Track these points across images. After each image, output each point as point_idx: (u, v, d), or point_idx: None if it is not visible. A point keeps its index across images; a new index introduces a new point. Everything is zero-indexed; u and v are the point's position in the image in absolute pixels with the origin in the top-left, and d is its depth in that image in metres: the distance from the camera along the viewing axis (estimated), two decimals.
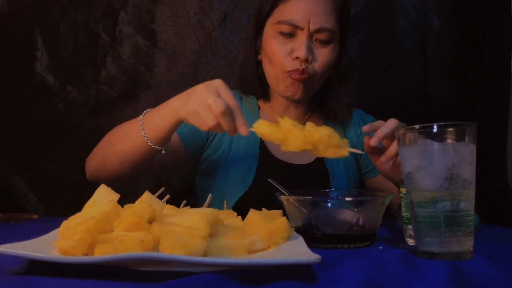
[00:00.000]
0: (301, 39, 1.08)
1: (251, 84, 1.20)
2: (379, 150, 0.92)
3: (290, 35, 1.10)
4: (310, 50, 1.08)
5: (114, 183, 1.01)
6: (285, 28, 1.09)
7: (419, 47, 1.65)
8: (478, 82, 1.59)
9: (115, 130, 1.05)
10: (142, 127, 0.93)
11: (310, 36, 1.09)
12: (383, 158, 0.88)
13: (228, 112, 0.80)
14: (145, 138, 0.93)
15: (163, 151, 0.96)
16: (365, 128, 0.90)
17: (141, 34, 1.70)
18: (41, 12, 1.70)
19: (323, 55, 1.11)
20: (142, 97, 1.69)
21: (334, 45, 1.13)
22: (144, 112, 0.96)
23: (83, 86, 1.69)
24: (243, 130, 0.81)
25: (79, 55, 1.70)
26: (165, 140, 0.95)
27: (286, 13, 1.10)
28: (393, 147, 0.87)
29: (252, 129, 0.81)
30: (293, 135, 0.79)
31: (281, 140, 0.80)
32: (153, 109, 0.96)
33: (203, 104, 0.81)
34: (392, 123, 0.88)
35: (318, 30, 1.09)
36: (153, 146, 0.94)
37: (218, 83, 0.85)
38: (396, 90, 1.65)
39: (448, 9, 1.63)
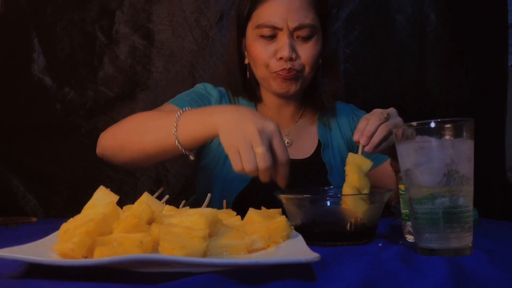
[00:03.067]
0: (283, 39, 1.09)
1: (237, 89, 1.21)
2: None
3: (272, 37, 1.10)
4: (292, 48, 1.09)
5: (124, 166, 0.99)
6: (265, 31, 1.10)
7: (416, 44, 1.65)
8: (475, 78, 1.59)
9: (144, 117, 0.99)
10: (175, 128, 0.87)
11: (291, 34, 1.10)
12: (367, 147, 0.88)
13: (270, 169, 0.77)
14: (176, 141, 0.87)
15: (191, 157, 0.91)
16: (355, 138, 0.89)
17: (137, 34, 1.70)
18: (37, 13, 1.70)
19: (306, 51, 1.11)
20: (140, 97, 1.69)
21: (316, 38, 1.13)
22: (183, 109, 0.90)
23: (81, 87, 1.69)
24: (282, 184, 0.81)
25: (75, 56, 1.70)
26: (195, 147, 0.91)
27: (264, 15, 1.10)
28: (376, 138, 0.87)
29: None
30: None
31: None
32: (192, 110, 0.91)
33: (249, 148, 0.77)
34: (375, 121, 0.88)
35: (297, 28, 1.09)
36: (181, 149, 0.88)
37: (273, 129, 0.79)
38: (393, 86, 1.65)
39: (445, 5, 1.63)
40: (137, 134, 0.96)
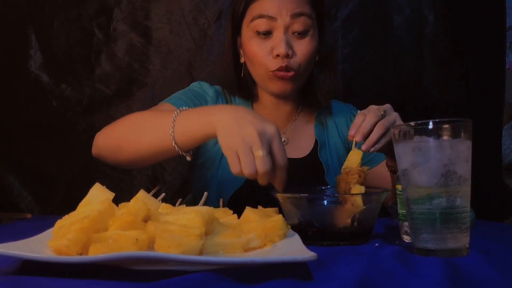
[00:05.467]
0: (278, 35, 1.08)
1: (233, 87, 1.21)
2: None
3: (267, 33, 1.09)
4: (288, 45, 1.08)
5: (119, 166, 1.00)
6: (261, 25, 1.09)
7: (414, 44, 1.65)
8: (473, 78, 1.60)
9: (141, 117, 0.98)
10: (172, 129, 0.86)
11: (286, 30, 1.09)
12: (364, 146, 0.88)
13: (269, 173, 0.76)
14: (173, 142, 0.86)
15: (188, 158, 0.90)
16: (351, 133, 0.89)
17: (135, 32, 1.69)
18: (34, 9, 1.69)
19: (302, 47, 1.10)
20: (137, 95, 1.69)
21: (312, 34, 1.12)
22: (180, 109, 0.88)
23: (78, 84, 1.68)
24: (280, 189, 0.80)
25: (73, 53, 1.69)
26: (192, 147, 0.89)
27: (258, 8, 1.10)
28: (373, 136, 0.87)
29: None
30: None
31: None
32: (189, 110, 0.89)
33: (248, 151, 0.75)
34: (371, 118, 0.88)
35: (293, 16, 1.08)
36: (177, 149, 0.87)
37: (273, 132, 0.77)
38: (391, 86, 1.65)
39: (443, 5, 1.63)
40: (133, 135, 0.95)
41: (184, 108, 0.90)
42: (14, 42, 1.70)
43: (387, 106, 0.94)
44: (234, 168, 0.76)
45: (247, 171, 0.75)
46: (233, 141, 0.76)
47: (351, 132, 0.89)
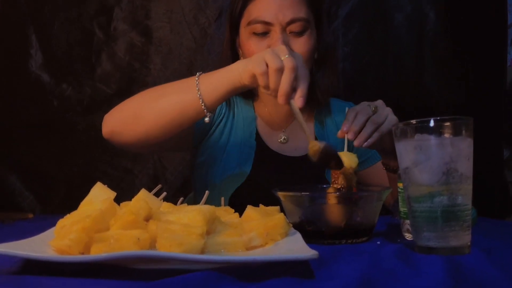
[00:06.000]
0: (275, 35, 1.08)
1: None
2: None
3: (264, 34, 1.09)
4: (286, 44, 1.07)
5: (132, 146, 0.99)
6: (257, 28, 1.09)
7: (415, 42, 1.65)
8: (474, 76, 1.59)
9: (158, 87, 0.98)
10: (198, 86, 0.88)
11: (283, 30, 1.09)
12: (355, 142, 0.88)
13: (295, 74, 0.80)
14: (199, 96, 0.88)
15: (206, 119, 0.91)
16: (343, 129, 0.89)
17: (136, 31, 1.69)
18: (35, 9, 1.69)
19: (300, 45, 1.10)
20: None
21: (309, 33, 1.12)
22: (199, 73, 0.91)
23: (78, 84, 1.68)
24: (299, 101, 0.82)
25: (73, 53, 1.69)
26: (218, 103, 0.91)
27: (255, 12, 1.09)
28: (364, 132, 0.87)
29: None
30: None
31: None
32: (209, 73, 0.92)
33: (275, 54, 0.80)
34: (363, 115, 0.88)
35: (290, 22, 1.08)
36: (204, 108, 0.88)
37: (298, 55, 0.84)
38: (392, 84, 1.65)
39: (444, 3, 1.63)
40: (153, 100, 0.94)
41: (201, 73, 0.92)
42: (15, 42, 1.70)
43: (379, 101, 0.94)
44: (259, 68, 0.80)
45: (273, 64, 0.79)
46: (259, 55, 0.81)
47: (343, 128, 0.89)
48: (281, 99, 0.81)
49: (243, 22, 1.13)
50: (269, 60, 0.80)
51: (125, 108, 0.99)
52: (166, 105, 0.92)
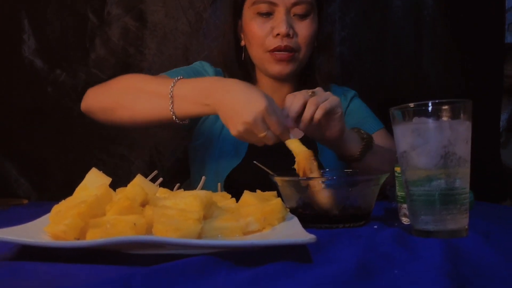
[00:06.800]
0: (280, 16, 1.09)
1: (232, 70, 1.21)
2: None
3: (268, 14, 1.10)
4: (289, 25, 1.09)
5: (109, 125, 1.03)
6: (262, 7, 1.10)
7: (413, 26, 1.63)
8: (472, 60, 1.58)
9: (136, 82, 0.99)
10: (171, 101, 0.90)
11: (288, 11, 1.10)
12: (300, 125, 0.89)
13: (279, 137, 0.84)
14: (172, 112, 0.90)
15: (185, 122, 0.94)
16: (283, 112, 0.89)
17: (130, 15, 1.66)
18: None
19: (303, 28, 1.11)
20: None
21: (312, 17, 1.13)
22: (176, 79, 0.91)
23: (72, 70, 1.66)
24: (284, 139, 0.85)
25: (67, 38, 1.67)
26: (189, 118, 0.94)
27: None
28: (306, 114, 0.87)
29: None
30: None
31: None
32: (186, 82, 0.92)
33: (251, 132, 0.82)
34: (299, 96, 0.88)
35: (295, 3, 1.09)
36: (178, 122, 0.92)
37: (262, 109, 0.82)
38: (389, 69, 1.64)
39: None
40: (129, 100, 0.97)
41: (179, 77, 0.92)
42: (6, 27, 1.67)
43: (318, 88, 0.94)
44: (234, 133, 0.84)
45: (252, 140, 0.84)
46: (238, 125, 0.82)
47: (284, 112, 0.88)
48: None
49: (248, 2, 1.14)
50: (248, 139, 0.85)
51: (103, 95, 1.02)
52: (140, 107, 0.95)
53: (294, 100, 0.88)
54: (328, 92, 0.93)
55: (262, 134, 0.82)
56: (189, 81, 0.92)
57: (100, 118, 1.03)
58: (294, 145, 0.85)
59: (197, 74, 1.19)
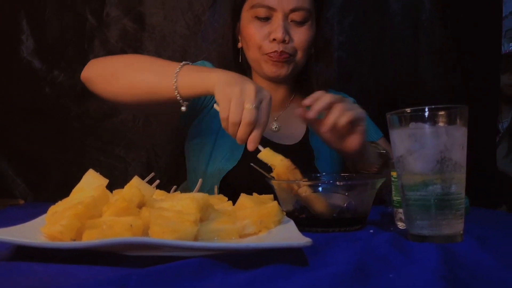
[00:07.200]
0: (277, 21, 1.10)
1: (234, 71, 1.20)
2: (319, 121, 0.91)
3: (266, 19, 1.11)
4: (286, 31, 1.10)
5: (105, 98, 1.02)
6: (260, 12, 1.10)
7: (410, 30, 1.64)
8: (469, 64, 1.59)
9: (142, 58, 1.01)
10: (176, 75, 0.90)
11: (286, 17, 1.10)
12: (322, 128, 0.88)
13: (252, 126, 0.82)
14: (175, 87, 0.90)
15: (183, 108, 0.93)
16: (306, 101, 0.89)
17: (129, 17, 1.67)
18: None
19: (299, 34, 1.12)
20: None
21: (310, 24, 1.14)
22: (183, 63, 0.93)
23: (70, 70, 1.66)
24: (250, 146, 0.84)
25: (65, 39, 1.67)
26: (192, 97, 0.93)
27: None
28: (331, 117, 0.87)
29: (260, 148, 0.84)
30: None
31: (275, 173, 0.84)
32: (193, 65, 0.95)
33: (240, 101, 0.82)
34: (328, 96, 0.88)
35: (293, 10, 1.10)
36: (178, 98, 0.91)
37: (266, 94, 0.85)
38: (387, 73, 1.64)
39: None
40: (132, 69, 0.97)
41: (187, 62, 0.94)
42: (5, 28, 1.67)
43: (350, 100, 0.94)
44: (223, 113, 0.83)
45: (233, 118, 0.81)
46: (231, 91, 0.82)
47: (306, 101, 0.88)
48: (239, 142, 0.84)
49: (247, 5, 1.14)
50: (231, 111, 0.82)
51: (108, 64, 1.02)
52: (140, 80, 0.95)
53: (322, 97, 0.88)
54: (356, 104, 0.93)
55: (251, 106, 0.81)
56: (196, 67, 0.94)
57: (99, 87, 1.02)
58: (268, 155, 0.84)
59: None
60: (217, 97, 0.85)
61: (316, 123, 0.91)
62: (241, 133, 0.82)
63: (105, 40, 1.66)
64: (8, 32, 1.67)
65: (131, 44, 1.66)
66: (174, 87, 0.90)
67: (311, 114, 0.87)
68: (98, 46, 1.66)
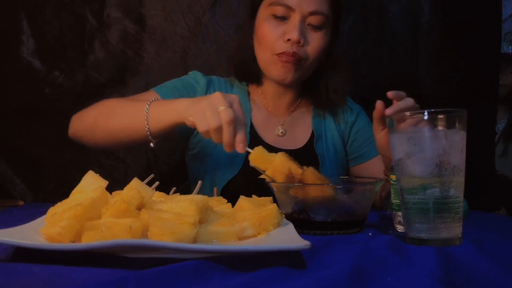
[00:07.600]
0: (294, 22, 1.08)
1: (249, 68, 1.19)
2: (384, 122, 0.92)
3: (283, 18, 1.09)
4: (302, 33, 1.08)
5: (96, 147, 1.08)
6: (278, 10, 1.09)
7: (409, 34, 1.65)
8: (468, 68, 1.60)
9: (114, 104, 1.05)
10: (147, 117, 0.94)
11: (303, 19, 1.09)
12: (388, 110, 0.86)
13: (233, 125, 0.83)
14: (147, 128, 0.94)
15: (152, 145, 0.98)
16: (390, 94, 0.88)
17: (129, 19, 1.67)
18: None
19: (315, 39, 1.11)
20: (131, 83, 1.67)
21: (326, 31, 1.13)
22: (151, 100, 0.97)
23: (70, 71, 1.66)
24: (239, 147, 0.84)
25: (65, 39, 1.67)
26: (162, 133, 0.97)
27: None
28: (402, 103, 0.88)
29: (249, 150, 0.85)
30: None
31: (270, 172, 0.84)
32: (160, 101, 0.98)
33: (212, 107, 0.83)
34: (410, 101, 0.90)
35: (312, 13, 1.08)
36: (150, 136, 0.96)
37: (235, 97, 0.87)
38: (386, 76, 1.64)
39: None
40: (106, 119, 1.02)
41: (156, 99, 0.99)
42: (5, 28, 1.67)
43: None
44: (201, 126, 0.84)
45: (212, 123, 0.82)
46: (200, 106, 0.85)
47: (390, 94, 0.88)
48: (227, 149, 0.85)
49: (265, 2, 1.13)
50: (208, 119, 0.83)
51: (84, 119, 1.08)
52: (115, 126, 1.01)
53: (407, 98, 0.90)
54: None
55: (223, 107, 0.82)
56: (163, 101, 0.99)
57: (84, 140, 1.09)
58: (261, 153, 0.85)
59: (188, 86, 1.18)
60: (190, 118, 0.87)
61: (382, 123, 0.92)
62: (226, 135, 0.83)
63: (105, 41, 1.66)
64: (8, 33, 1.67)
65: (131, 45, 1.66)
66: (146, 124, 0.94)
67: (390, 110, 0.86)
68: (98, 46, 1.66)
